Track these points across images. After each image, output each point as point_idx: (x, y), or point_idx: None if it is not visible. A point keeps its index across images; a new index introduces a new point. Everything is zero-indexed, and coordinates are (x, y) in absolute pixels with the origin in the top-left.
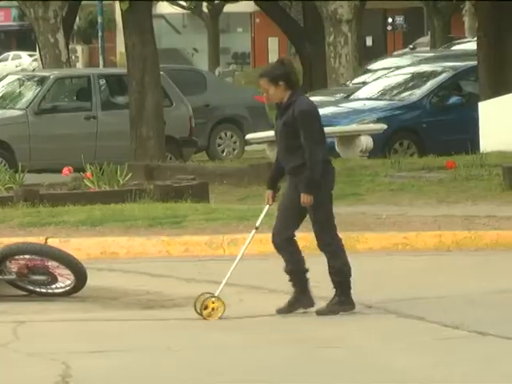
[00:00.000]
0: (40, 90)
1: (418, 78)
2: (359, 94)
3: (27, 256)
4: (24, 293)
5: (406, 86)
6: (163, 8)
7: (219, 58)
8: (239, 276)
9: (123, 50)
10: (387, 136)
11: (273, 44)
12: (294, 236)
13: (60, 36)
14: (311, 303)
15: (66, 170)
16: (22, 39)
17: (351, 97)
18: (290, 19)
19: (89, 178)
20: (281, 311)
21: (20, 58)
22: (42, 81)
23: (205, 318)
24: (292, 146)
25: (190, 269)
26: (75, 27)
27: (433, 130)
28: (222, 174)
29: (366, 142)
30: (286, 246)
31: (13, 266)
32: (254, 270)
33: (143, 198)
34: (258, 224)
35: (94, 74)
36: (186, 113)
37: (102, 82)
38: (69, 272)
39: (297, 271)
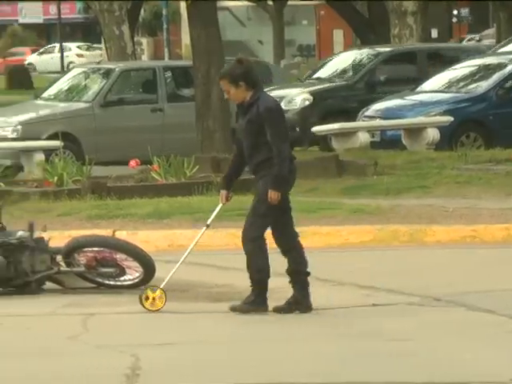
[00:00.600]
0: (106, 83)
1: (485, 70)
2: (425, 86)
3: (95, 248)
4: (93, 285)
5: (472, 78)
6: (228, 1)
7: (284, 50)
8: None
9: (188, 42)
10: (453, 128)
11: (338, 36)
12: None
13: (125, 28)
14: (309, 308)
15: (132, 163)
16: (87, 32)
17: (417, 89)
18: (355, 11)
19: (156, 170)
20: (278, 310)
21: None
22: (107, 73)
23: (147, 309)
24: (257, 144)
25: None
26: (140, 19)
27: (499, 122)
28: None
29: (433, 134)
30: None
31: (81, 259)
32: (320, 262)
33: (210, 190)
34: (209, 222)
35: (159, 67)
36: None
37: (168, 74)
38: (137, 264)
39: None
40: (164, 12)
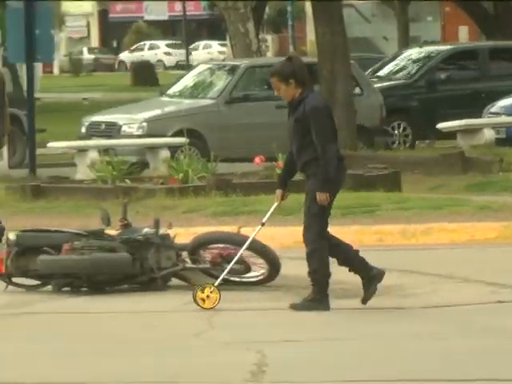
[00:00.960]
0: (231, 80)
1: None
2: None
3: (221, 245)
4: None
5: None
6: None
7: (409, 46)
8: (432, 266)
9: (313, 38)
10: None
11: (463, 32)
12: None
13: (250, 26)
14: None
15: (257, 160)
16: (212, 29)
17: None
18: (481, 8)
19: (280, 167)
20: (295, 307)
21: (211, 47)
22: (232, 70)
23: (199, 306)
24: (304, 143)
25: (383, 258)
26: (265, 16)
27: None
28: (413, 163)
29: None
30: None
31: (207, 255)
32: (445, 259)
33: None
34: (264, 220)
35: None
36: (376, 102)
37: None
38: (262, 261)
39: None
40: (289, 9)
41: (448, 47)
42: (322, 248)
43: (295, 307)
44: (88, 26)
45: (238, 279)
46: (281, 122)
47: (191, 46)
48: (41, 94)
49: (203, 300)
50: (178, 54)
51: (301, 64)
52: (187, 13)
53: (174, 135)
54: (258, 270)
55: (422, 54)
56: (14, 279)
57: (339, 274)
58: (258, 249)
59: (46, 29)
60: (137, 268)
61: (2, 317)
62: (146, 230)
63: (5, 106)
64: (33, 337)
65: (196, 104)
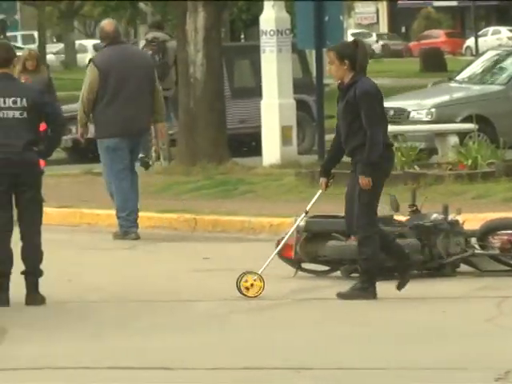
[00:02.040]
0: None
1: None
2: None
3: (510, 231)
4: (507, 268)
5: None
6: None
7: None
8: None
9: None
10: None
11: None
12: None
13: None
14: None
15: None
16: (501, 14)
17: None
18: None
19: None
20: (341, 296)
21: (499, 33)
22: None
23: (243, 294)
24: (353, 128)
25: None
26: None
27: None
28: None
29: None
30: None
31: (496, 242)
32: None
33: None
34: (308, 208)
35: None
36: None
37: None
38: None
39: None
40: None
41: None
42: (374, 236)
43: (342, 296)
44: (377, 12)
45: None
46: None
47: (480, 32)
48: (329, 80)
49: (247, 288)
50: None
51: (363, 50)
52: None
53: (463, 121)
54: None
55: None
56: (304, 265)
57: None
58: None
59: (335, 15)
60: (425, 254)
61: (294, 302)
62: (434, 215)
63: (155, 90)
64: (320, 322)
65: (484, 90)
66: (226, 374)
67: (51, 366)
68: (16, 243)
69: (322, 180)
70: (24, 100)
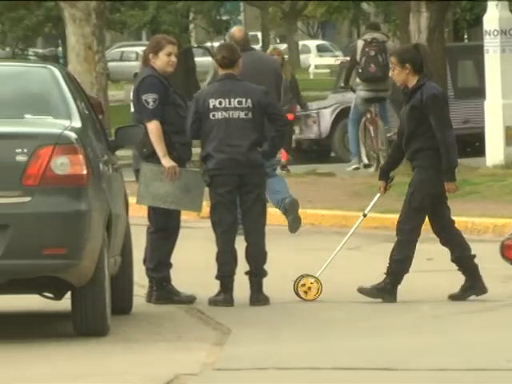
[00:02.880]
0: None
1: None
2: None
3: None
4: None
5: None
6: None
7: None
8: None
9: None
10: None
11: None
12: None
13: None
14: (484, 290)
15: None
16: None
17: None
18: None
19: None
20: (454, 297)
21: None
22: None
23: (301, 298)
24: (417, 131)
25: None
26: None
27: None
28: None
29: None
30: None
31: None
32: None
33: None
34: (367, 211)
35: None
36: None
37: None
38: None
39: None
40: None
41: None
42: (413, 242)
43: (362, 291)
44: None
45: None
46: None
47: None
48: None
49: (305, 292)
50: None
51: (425, 53)
52: None
53: None
54: None
55: None
56: None
57: None
58: None
59: None
60: None
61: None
62: None
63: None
64: None
65: None
66: (451, 375)
67: (275, 366)
68: (239, 243)
69: (381, 183)
70: (249, 100)
